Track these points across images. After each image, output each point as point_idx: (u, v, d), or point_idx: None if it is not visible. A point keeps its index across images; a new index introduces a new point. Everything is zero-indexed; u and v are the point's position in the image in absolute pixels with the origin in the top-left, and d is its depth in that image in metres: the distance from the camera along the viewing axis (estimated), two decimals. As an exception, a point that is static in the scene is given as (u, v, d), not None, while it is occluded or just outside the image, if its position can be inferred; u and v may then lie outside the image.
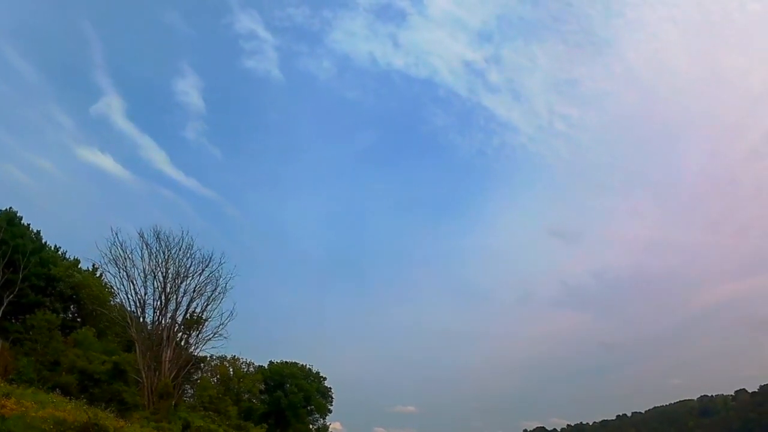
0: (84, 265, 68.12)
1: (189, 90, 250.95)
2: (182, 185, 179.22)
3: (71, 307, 67.83)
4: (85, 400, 39.42)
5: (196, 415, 49.85)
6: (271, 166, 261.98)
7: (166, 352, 52.37)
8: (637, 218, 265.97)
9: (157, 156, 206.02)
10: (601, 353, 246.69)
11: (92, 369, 45.13)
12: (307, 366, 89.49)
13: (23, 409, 28.75)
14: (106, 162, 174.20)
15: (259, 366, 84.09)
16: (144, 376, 51.15)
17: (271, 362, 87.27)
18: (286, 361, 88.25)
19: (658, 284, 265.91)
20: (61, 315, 64.16)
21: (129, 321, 53.63)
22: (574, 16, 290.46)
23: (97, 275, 67.97)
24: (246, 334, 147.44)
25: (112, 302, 64.97)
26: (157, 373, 51.81)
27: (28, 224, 62.85)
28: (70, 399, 38.24)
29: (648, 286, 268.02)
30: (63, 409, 31.09)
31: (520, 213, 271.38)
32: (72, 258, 68.90)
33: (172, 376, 52.76)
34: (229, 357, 76.14)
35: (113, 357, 47.44)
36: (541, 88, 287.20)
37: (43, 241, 65.40)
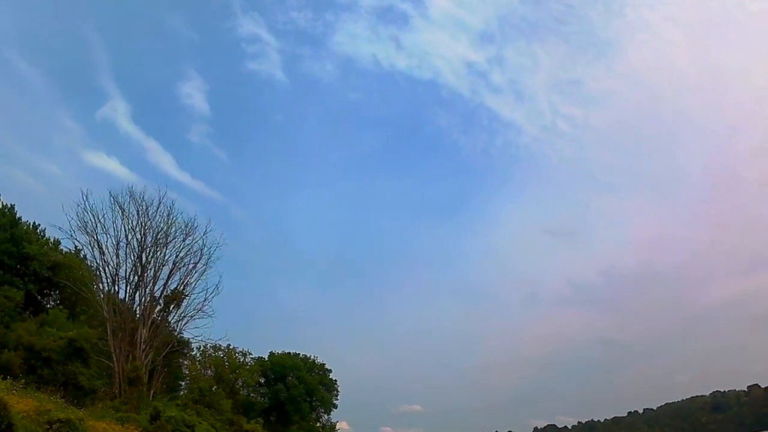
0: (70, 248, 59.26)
1: (193, 93, 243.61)
2: (189, 187, 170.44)
3: (52, 292, 58.99)
4: (23, 382, 30.68)
5: (171, 405, 40.67)
6: (277, 167, 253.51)
7: (141, 332, 43.24)
8: (642, 216, 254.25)
9: (163, 159, 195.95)
10: (609, 351, 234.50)
11: (41, 345, 35.91)
12: (311, 357, 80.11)
13: None
14: (113, 165, 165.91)
15: (258, 357, 74.73)
16: (115, 360, 42.14)
17: (271, 353, 77.66)
18: (288, 352, 78.68)
19: (664, 281, 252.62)
20: (39, 298, 56.11)
21: (101, 295, 44.63)
22: (575, 16, 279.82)
23: (81, 256, 59.08)
24: (250, 334, 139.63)
25: (95, 287, 56.02)
26: (130, 357, 42.78)
27: (-2, 195, 54.13)
28: (4, 379, 29.58)
29: (655, 283, 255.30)
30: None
31: (524, 213, 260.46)
32: (52, 239, 59.98)
33: (147, 360, 43.71)
34: (223, 346, 66.78)
35: (69, 332, 38.23)
36: (544, 88, 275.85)
37: (18, 216, 56.69)
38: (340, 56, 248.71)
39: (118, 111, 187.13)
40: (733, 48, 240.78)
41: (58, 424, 23.68)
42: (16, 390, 28.30)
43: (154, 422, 34.55)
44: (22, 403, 25.12)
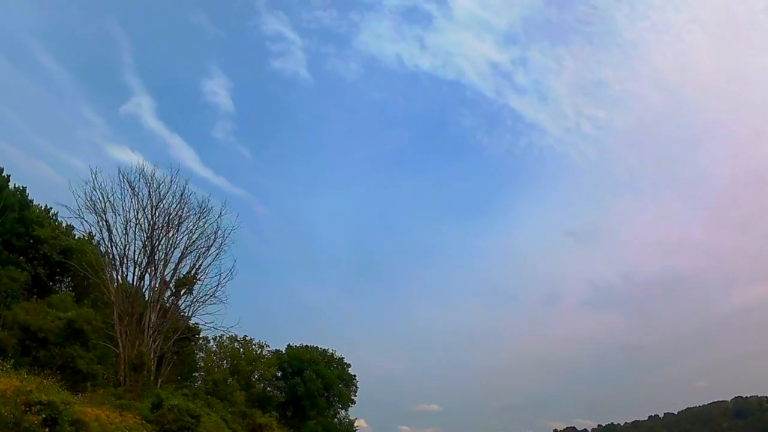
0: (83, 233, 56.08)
1: (218, 90, 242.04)
2: (212, 183, 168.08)
3: (63, 277, 55.97)
4: (12, 362, 27.34)
5: (177, 394, 37.19)
6: (300, 165, 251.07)
7: (149, 317, 39.81)
8: (665, 219, 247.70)
9: (186, 155, 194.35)
10: (630, 354, 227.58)
11: (38, 325, 32.58)
12: (329, 351, 76.18)
13: None
14: (137, 160, 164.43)
15: (276, 350, 71.16)
16: (121, 345, 38.76)
17: (289, 346, 73.91)
18: (306, 345, 74.91)
19: (687, 285, 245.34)
20: (50, 284, 53.13)
21: (110, 279, 41.36)
22: (599, 18, 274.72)
23: (94, 243, 55.94)
24: (270, 330, 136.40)
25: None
26: (138, 343, 39.38)
27: (8, 176, 51.21)
28: None
29: (677, 287, 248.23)
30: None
31: (546, 214, 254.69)
32: (65, 223, 56.85)
33: (156, 346, 40.29)
34: (240, 337, 63.42)
35: (68, 313, 34.90)
36: (568, 89, 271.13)
37: (29, 199, 53.87)
38: (364, 55, 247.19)
39: (143, 107, 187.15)
40: (757, 50, 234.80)
41: (38, 406, 20.23)
42: (1, 370, 25.06)
43: (155, 411, 31.05)
44: (2, 383, 21.78)
